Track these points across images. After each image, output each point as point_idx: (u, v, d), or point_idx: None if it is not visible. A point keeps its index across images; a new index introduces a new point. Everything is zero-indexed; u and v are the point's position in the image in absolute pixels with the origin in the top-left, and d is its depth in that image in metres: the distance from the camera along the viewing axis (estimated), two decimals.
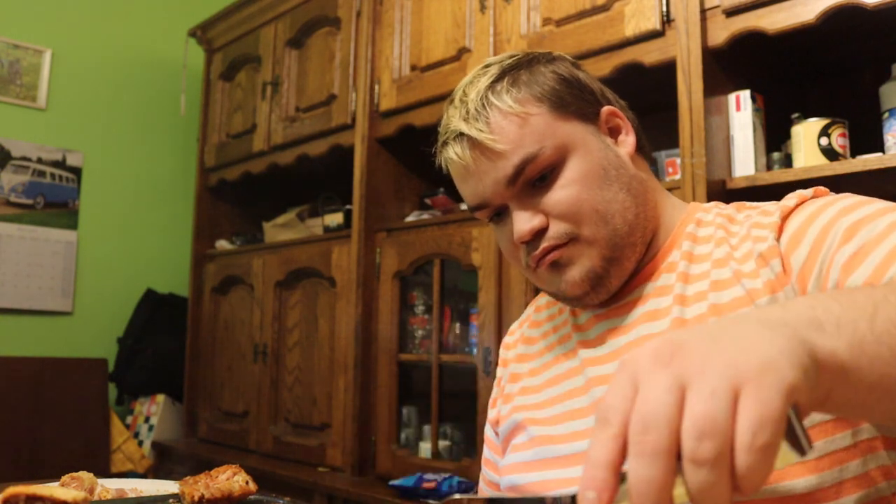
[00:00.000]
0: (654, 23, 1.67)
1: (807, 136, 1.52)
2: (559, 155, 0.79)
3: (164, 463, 2.98)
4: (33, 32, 3.16)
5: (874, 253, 0.63)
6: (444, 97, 2.09)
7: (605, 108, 0.84)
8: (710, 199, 1.38)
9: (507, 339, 1.00)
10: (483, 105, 0.79)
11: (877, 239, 0.64)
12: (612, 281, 0.80)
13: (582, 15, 1.81)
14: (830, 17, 1.44)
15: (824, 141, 1.51)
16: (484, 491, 0.97)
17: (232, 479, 0.87)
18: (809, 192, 0.77)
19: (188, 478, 0.87)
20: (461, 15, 2.11)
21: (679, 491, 0.37)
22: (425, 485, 1.94)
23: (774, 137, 1.64)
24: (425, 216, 2.27)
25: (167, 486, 0.98)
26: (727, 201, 0.88)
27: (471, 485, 1.93)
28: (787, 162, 1.58)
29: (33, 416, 2.74)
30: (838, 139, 1.51)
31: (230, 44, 3.08)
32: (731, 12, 1.56)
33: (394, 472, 2.14)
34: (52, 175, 3.17)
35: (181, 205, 3.46)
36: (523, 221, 0.79)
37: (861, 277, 0.63)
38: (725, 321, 0.43)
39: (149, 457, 3.00)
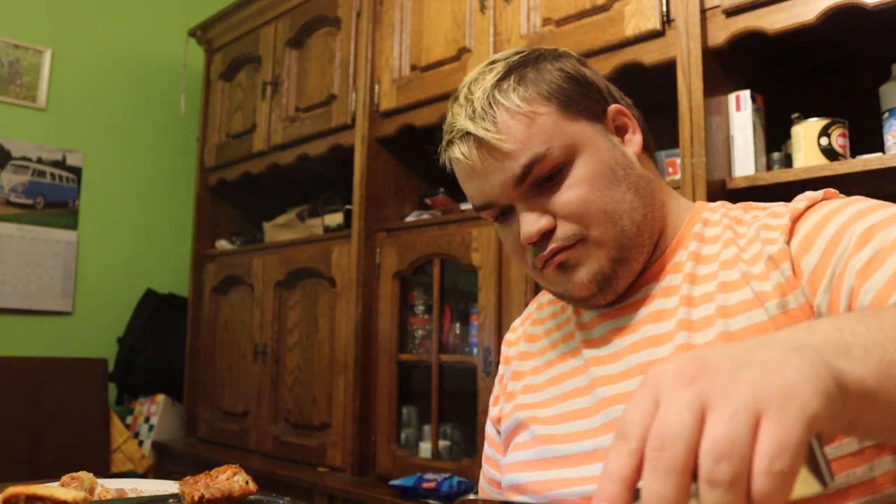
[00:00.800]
0: (654, 23, 1.67)
1: (807, 136, 1.52)
2: (567, 155, 0.77)
3: (164, 463, 2.98)
4: (33, 32, 3.16)
5: (890, 259, 0.63)
6: (445, 97, 2.09)
7: (612, 107, 0.83)
8: (710, 199, 1.38)
9: (508, 336, 0.99)
10: (490, 104, 0.78)
11: (892, 245, 0.64)
12: (619, 282, 0.80)
13: (582, 15, 1.81)
14: (830, 17, 1.43)
15: (824, 141, 1.51)
16: (484, 489, 0.97)
17: (232, 479, 0.87)
18: (819, 194, 0.76)
19: (188, 478, 0.87)
20: (461, 15, 2.11)
21: None
22: (425, 485, 1.94)
23: (774, 137, 1.64)
24: (425, 216, 2.27)
25: (167, 486, 0.97)
26: (727, 201, 0.88)
27: (471, 485, 1.92)
28: (787, 162, 1.58)
29: (33, 416, 2.74)
30: (838, 139, 1.51)
31: (230, 44, 3.08)
32: (731, 12, 1.56)
33: (394, 472, 2.14)
34: (52, 175, 3.17)
35: (181, 205, 3.46)
36: (531, 223, 0.78)
37: (877, 284, 0.63)
38: (752, 343, 0.42)
39: (149, 457, 3.00)
